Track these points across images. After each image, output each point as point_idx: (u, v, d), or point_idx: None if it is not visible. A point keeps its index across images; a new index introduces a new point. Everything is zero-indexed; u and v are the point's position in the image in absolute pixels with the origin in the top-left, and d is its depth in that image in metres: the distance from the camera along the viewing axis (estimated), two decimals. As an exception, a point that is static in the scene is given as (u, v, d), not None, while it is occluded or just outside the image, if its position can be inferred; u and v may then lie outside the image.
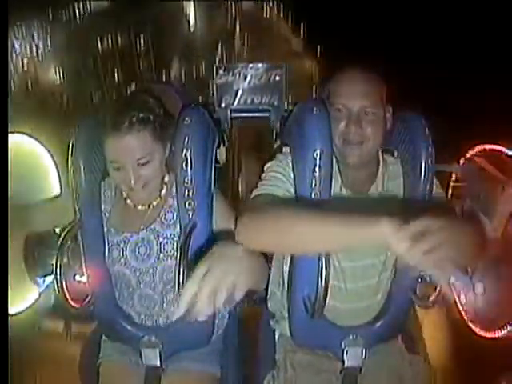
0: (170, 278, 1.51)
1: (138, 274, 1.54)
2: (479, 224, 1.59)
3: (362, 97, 1.44)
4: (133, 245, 1.54)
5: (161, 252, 1.52)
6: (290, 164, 1.47)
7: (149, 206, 1.55)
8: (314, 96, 1.61)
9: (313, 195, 1.41)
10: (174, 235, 1.52)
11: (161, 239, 1.53)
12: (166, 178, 1.55)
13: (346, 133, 1.45)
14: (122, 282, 1.56)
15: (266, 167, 1.52)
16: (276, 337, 1.68)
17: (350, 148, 1.45)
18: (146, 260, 1.54)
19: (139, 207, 1.55)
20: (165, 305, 1.57)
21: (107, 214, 1.57)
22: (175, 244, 1.50)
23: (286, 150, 1.55)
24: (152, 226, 1.54)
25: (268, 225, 1.22)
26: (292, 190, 1.44)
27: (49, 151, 1.93)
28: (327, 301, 1.43)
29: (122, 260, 1.54)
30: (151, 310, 1.57)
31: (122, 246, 1.55)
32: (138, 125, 1.39)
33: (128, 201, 1.56)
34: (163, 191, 1.54)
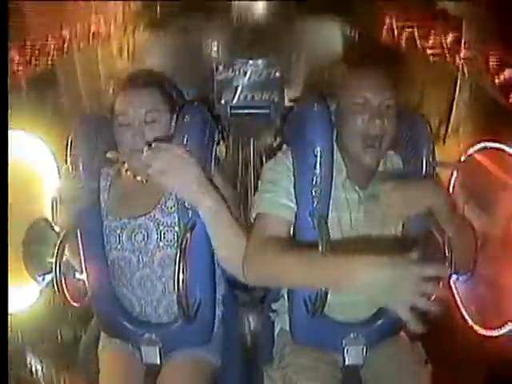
0: (169, 265, 1.49)
1: (137, 254, 1.53)
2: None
3: (384, 89, 1.42)
4: (129, 231, 1.53)
5: (160, 241, 1.51)
6: (291, 160, 1.47)
7: (146, 182, 1.54)
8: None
9: (313, 192, 1.41)
10: (175, 224, 1.50)
11: (161, 227, 1.51)
12: None
13: (367, 128, 1.41)
14: (122, 265, 1.54)
15: (265, 167, 1.51)
16: (276, 331, 1.68)
17: (369, 148, 1.42)
18: (143, 248, 1.52)
19: (138, 178, 1.54)
20: (165, 292, 1.55)
21: (105, 202, 1.56)
22: (175, 234, 1.49)
23: (285, 147, 1.54)
24: (152, 213, 1.52)
25: (266, 267, 1.32)
26: (292, 190, 1.44)
27: (49, 147, 1.93)
28: (329, 297, 1.42)
29: (119, 246, 1.53)
30: (151, 295, 1.55)
31: (118, 231, 1.53)
32: (151, 84, 1.50)
33: (128, 173, 1.55)
34: None
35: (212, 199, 1.39)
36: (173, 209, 1.51)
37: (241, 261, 1.39)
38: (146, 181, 1.55)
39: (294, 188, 1.45)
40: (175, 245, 1.47)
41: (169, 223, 1.51)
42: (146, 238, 1.52)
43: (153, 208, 1.53)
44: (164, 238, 1.51)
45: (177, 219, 1.49)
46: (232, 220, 1.43)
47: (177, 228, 1.49)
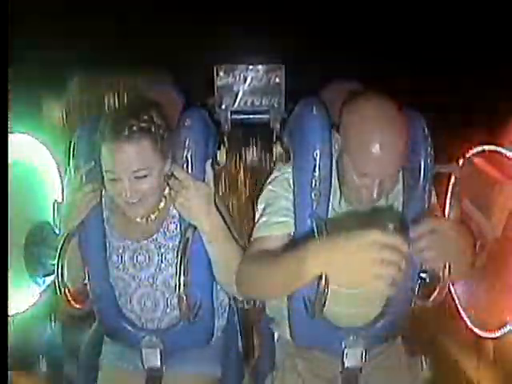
0: (172, 284, 1.49)
1: (137, 280, 1.53)
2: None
3: (388, 164, 1.30)
4: (131, 252, 1.52)
5: (162, 262, 1.51)
6: (290, 170, 1.47)
7: (147, 219, 1.51)
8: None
9: (312, 195, 1.42)
10: (176, 246, 1.49)
11: (162, 250, 1.51)
12: (167, 191, 1.49)
13: (367, 195, 1.35)
14: (121, 285, 1.55)
15: (265, 188, 1.51)
16: (275, 338, 1.68)
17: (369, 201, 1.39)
18: (145, 269, 1.52)
19: (138, 219, 1.51)
20: (168, 310, 1.55)
21: (108, 219, 1.55)
22: (175, 253, 1.47)
23: (279, 165, 1.55)
24: (154, 237, 1.52)
25: (243, 281, 1.38)
26: (291, 206, 1.44)
27: (51, 153, 1.94)
28: (328, 305, 1.42)
29: (121, 266, 1.53)
30: (152, 313, 1.56)
31: (120, 251, 1.53)
32: (137, 134, 1.34)
33: (125, 209, 1.50)
34: (162, 204, 1.51)
35: (215, 224, 1.43)
36: (175, 232, 1.50)
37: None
38: (147, 219, 1.51)
39: (294, 191, 1.45)
40: (175, 260, 1.45)
41: (170, 246, 1.51)
42: (147, 260, 1.52)
43: (156, 232, 1.51)
44: (165, 259, 1.51)
45: (178, 241, 1.49)
46: (232, 240, 1.47)
47: (177, 249, 1.47)
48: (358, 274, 1.01)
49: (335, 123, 1.42)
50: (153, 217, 1.51)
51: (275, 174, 1.52)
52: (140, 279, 1.53)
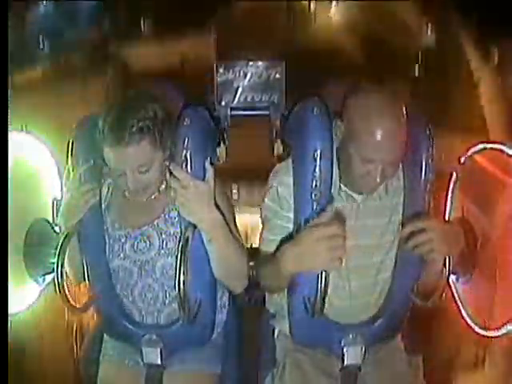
0: (171, 275, 1.50)
1: (139, 264, 1.54)
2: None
3: (392, 151, 1.35)
4: (133, 239, 1.54)
5: (162, 248, 1.53)
6: (288, 185, 1.48)
7: (147, 200, 1.53)
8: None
9: (313, 196, 1.42)
10: (178, 233, 1.51)
11: (163, 236, 1.53)
12: (168, 175, 1.50)
13: (371, 181, 1.39)
14: (123, 276, 1.56)
15: (264, 201, 1.53)
16: (275, 334, 1.68)
17: (369, 182, 1.41)
18: (146, 253, 1.54)
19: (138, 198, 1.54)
20: (166, 302, 1.56)
21: (107, 209, 1.56)
22: (177, 242, 1.49)
23: (277, 168, 1.55)
24: (155, 222, 1.53)
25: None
26: (290, 225, 1.47)
27: (49, 147, 1.94)
28: (329, 299, 1.42)
29: (122, 254, 1.54)
30: (152, 306, 1.57)
31: (122, 240, 1.54)
32: (137, 135, 1.38)
33: (127, 194, 1.55)
34: (162, 186, 1.53)
35: (215, 222, 1.43)
36: (176, 219, 1.51)
37: (238, 276, 1.54)
38: (147, 200, 1.54)
39: (294, 195, 1.46)
40: (176, 253, 1.45)
41: (171, 233, 1.52)
42: (148, 246, 1.53)
43: (156, 217, 1.53)
44: (166, 246, 1.52)
45: (179, 229, 1.50)
46: (231, 238, 1.48)
47: (179, 237, 1.49)
48: (317, 261, 1.27)
49: (337, 112, 1.43)
50: (153, 197, 1.53)
51: (273, 182, 1.52)
52: (141, 263, 1.54)
